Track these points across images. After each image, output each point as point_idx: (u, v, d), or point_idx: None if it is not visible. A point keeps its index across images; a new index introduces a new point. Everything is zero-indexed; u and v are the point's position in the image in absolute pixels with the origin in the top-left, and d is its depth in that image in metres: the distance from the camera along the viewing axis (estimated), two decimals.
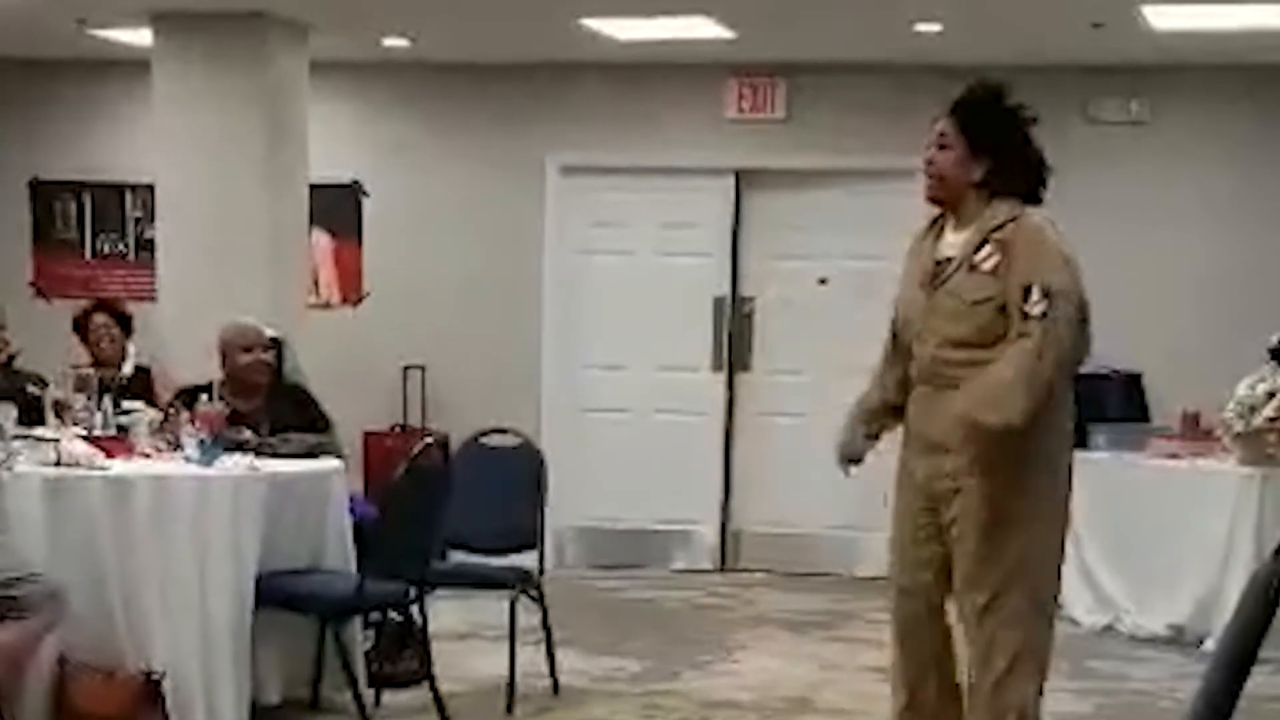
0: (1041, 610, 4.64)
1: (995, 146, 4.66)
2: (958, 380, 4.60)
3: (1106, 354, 9.50)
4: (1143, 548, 8.32)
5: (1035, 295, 4.46)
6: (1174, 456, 8.45)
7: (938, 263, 4.65)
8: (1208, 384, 8.63)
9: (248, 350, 6.86)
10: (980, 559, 4.60)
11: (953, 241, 4.67)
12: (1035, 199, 4.69)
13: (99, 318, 7.93)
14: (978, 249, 4.60)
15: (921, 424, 4.73)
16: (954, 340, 4.61)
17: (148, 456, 6.01)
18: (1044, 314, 4.47)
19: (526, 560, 6.60)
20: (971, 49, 9.40)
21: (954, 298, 4.60)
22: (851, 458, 4.91)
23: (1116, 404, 9.38)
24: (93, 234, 10.86)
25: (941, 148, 4.69)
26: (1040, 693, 4.68)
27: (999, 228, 4.58)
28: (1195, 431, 8.57)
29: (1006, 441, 4.50)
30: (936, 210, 4.77)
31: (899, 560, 4.82)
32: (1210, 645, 7.46)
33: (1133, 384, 9.54)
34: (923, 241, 4.77)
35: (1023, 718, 4.64)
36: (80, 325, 7.98)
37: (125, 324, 8.00)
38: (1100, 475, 8.66)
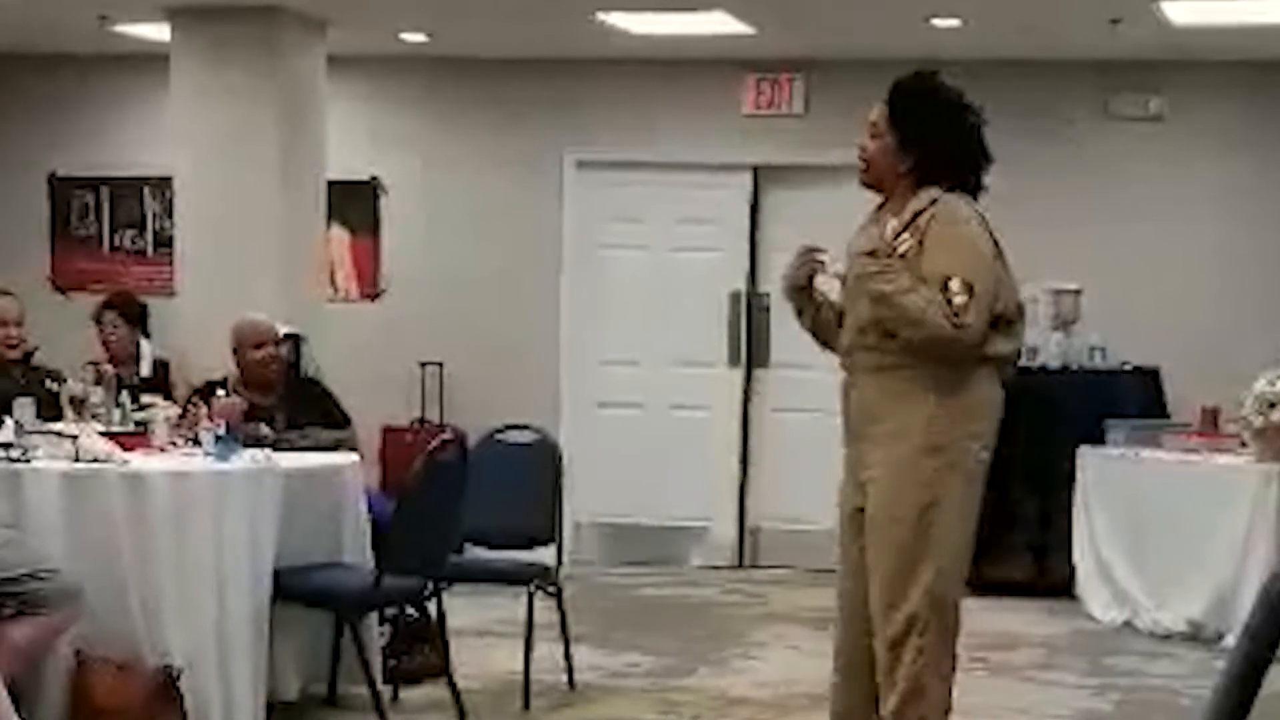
0: (944, 614, 4.55)
1: (924, 136, 4.61)
2: (871, 367, 4.58)
3: (1124, 349, 9.51)
4: (1160, 544, 8.30)
5: (956, 287, 4.41)
6: (1192, 452, 8.43)
7: (869, 252, 4.59)
8: (1226, 379, 8.60)
9: (259, 346, 6.90)
10: (885, 557, 4.53)
11: (882, 230, 4.65)
12: (968, 189, 4.63)
13: (107, 314, 7.95)
14: (897, 236, 4.56)
15: (847, 412, 4.70)
16: (867, 325, 4.58)
17: (165, 452, 6.02)
18: (965, 306, 4.41)
19: (543, 556, 6.60)
20: (989, 44, 9.39)
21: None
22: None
23: (1134, 400, 9.36)
24: (111, 229, 10.88)
25: (873, 136, 4.67)
26: (946, 699, 4.59)
27: (919, 214, 4.54)
28: (1213, 427, 8.55)
29: (918, 435, 4.47)
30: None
31: (840, 558, 4.78)
32: (1229, 641, 7.44)
33: (1151, 379, 9.52)
34: (864, 229, 4.71)
35: None
36: (97, 320, 8.00)
37: (135, 318, 7.99)
38: (1118, 471, 8.66)
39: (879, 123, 4.67)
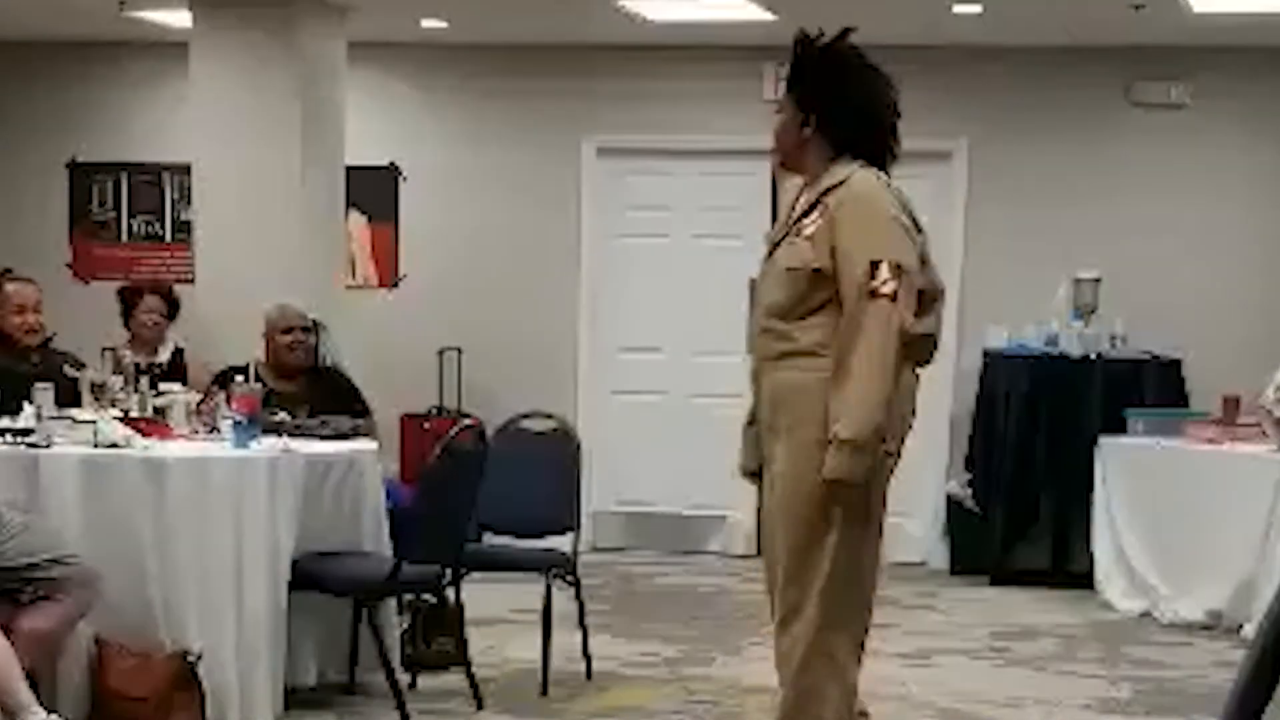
0: (844, 613, 4.33)
1: (817, 98, 4.39)
2: (774, 355, 4.37)
3: (1145, 338, 9.47)
4: (1181, 533, 8.27)
5: (885, 273, 4.15)
6: (1213, 442, 8.40)
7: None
8: (1248, 368, 8.57)
9: (286, 332, 6.96)
10: (785, 553, 4.38)
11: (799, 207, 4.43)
12: (879, 154, 4.39)
13: (150, 300, 7.90)
14: (806, 214, 4.35)
15: (757, 402, 4.49)
16: (772, 309, 4.37)
17: (184, 438, 6.02)
18: (895, 294, 4.15)
19: (562, 544, 6.60)
20: (1011, 31, 9.36)
21: (778, 265, 4.39)
22: (747, 471, 4.69)
23: (1155, 388, 9.33)
24: (130, 216, 10.88)
25: (778, 113, 4.48)
26: (848, 703, 4.39)
27: (828, 191, 4.30)
28: (1235, 416, 8.51)
29: (816, 427, 4.23)
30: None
31: (763, 540, 4.63)
32: (1249, 631, 7.41)
33: (1172, 368, 9.49)
34: (782, 221, 4.52)
35: None
36: (128, 302, 7.96)
37: (173, 310, 8.00)
38: (1139, 460, 8.64)
39: (782, 97, 4.48)
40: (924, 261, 4.32)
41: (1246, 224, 9.89)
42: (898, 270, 4.17)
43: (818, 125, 4.38)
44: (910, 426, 4.45)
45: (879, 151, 4.41)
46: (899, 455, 4.42)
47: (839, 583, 4.32)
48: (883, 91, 4.45)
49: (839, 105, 4.39)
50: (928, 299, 4.34)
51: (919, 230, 4.35)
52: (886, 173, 4.41)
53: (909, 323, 4.20)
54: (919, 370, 4.45)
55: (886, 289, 4.16)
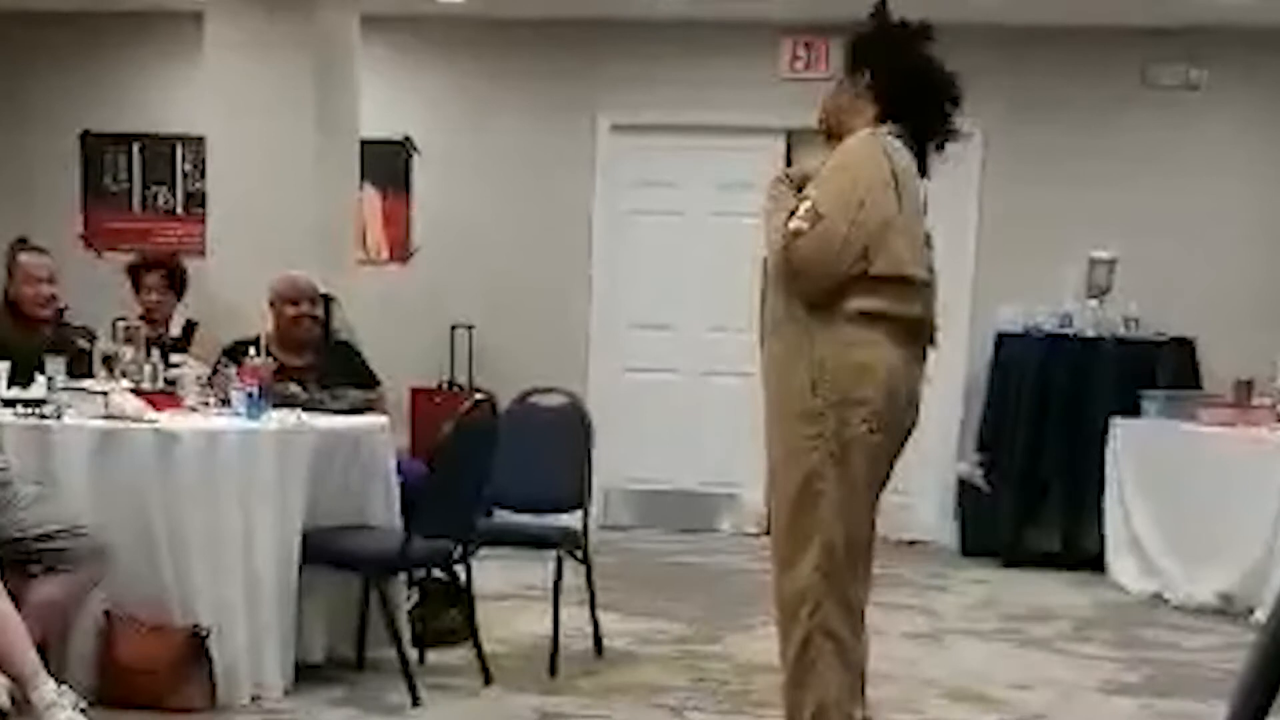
0: (837, 593, 4.33)
1: (865, 62, 4.38)
2: (769, 325, 4.39)
3: (1159, 320, 9.45)
4: (1192, 516, 8.26)
5: (802, 211, 4.17)
6: (1226, 424, 8.37)
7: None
8: (1262, 351, 8.55)
9: (294, 304, 6.91)
10: (776, 533, 4.43)
11: None
12: (922, 123, 4.33)
13: (151, 277, 7.88)
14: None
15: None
16: (771, 280, 4.38)
17: (196, 411, 6.01)
18: (796, 233, 4.16)
19: (572, 520, 6.58)
20: (1027, 11, 9.31)
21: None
22: None
23: (1169, 370, 9.31)
24: (143, 187, 10.88)
25: (838, 81, 4.49)
26: (852, 680, 4.38)
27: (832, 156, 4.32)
28: (1248, 399, 8.49)
29: (796, 401, 4.25)
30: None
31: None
32: (1260, 615, 7.40)
33: (1185, 350, 9.47)
34: None
35: (821, 709, 4.36)
36: (134, 276, 7.95)
37: (178, 283, 7.97)
38: (1151, 443, 8.62)
39: (838, 65, 4.50)
40: (877, 229, 4.22)
41: (1262, 206, 9.87)
42: (815, 215, 4.17)
43: (863, 89, 4.37)
44: (911, 413, 4.42)
45: (916, 119, 4.35)
46: (902, 442, 4.41)
47: (833, 559, 4.34)
48: (922, 61, 4.39)
49: (884, 71, 4.36)
50: (905, 281, 4.26)
51: (901, 207, 4.24)
52: (936, 148, 4.39)
53: (803, 259, 4.19)
54: (927, 352, 4.45)
55: (793, 224, 4.19)
